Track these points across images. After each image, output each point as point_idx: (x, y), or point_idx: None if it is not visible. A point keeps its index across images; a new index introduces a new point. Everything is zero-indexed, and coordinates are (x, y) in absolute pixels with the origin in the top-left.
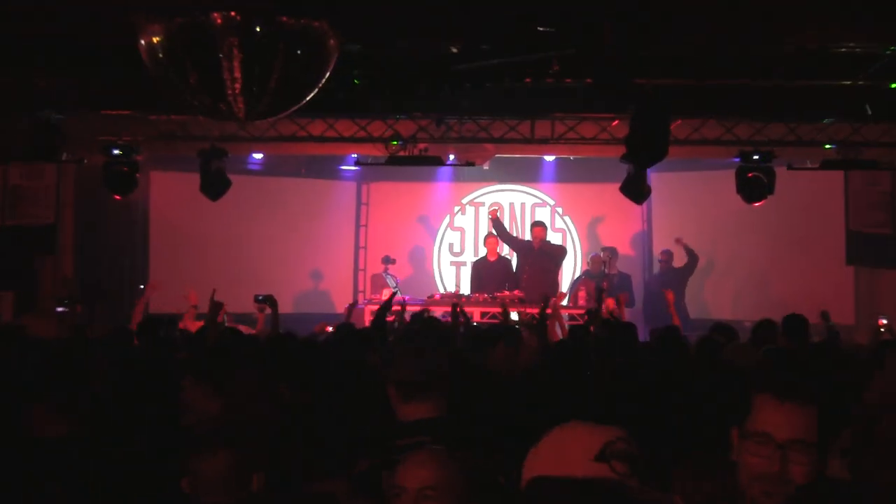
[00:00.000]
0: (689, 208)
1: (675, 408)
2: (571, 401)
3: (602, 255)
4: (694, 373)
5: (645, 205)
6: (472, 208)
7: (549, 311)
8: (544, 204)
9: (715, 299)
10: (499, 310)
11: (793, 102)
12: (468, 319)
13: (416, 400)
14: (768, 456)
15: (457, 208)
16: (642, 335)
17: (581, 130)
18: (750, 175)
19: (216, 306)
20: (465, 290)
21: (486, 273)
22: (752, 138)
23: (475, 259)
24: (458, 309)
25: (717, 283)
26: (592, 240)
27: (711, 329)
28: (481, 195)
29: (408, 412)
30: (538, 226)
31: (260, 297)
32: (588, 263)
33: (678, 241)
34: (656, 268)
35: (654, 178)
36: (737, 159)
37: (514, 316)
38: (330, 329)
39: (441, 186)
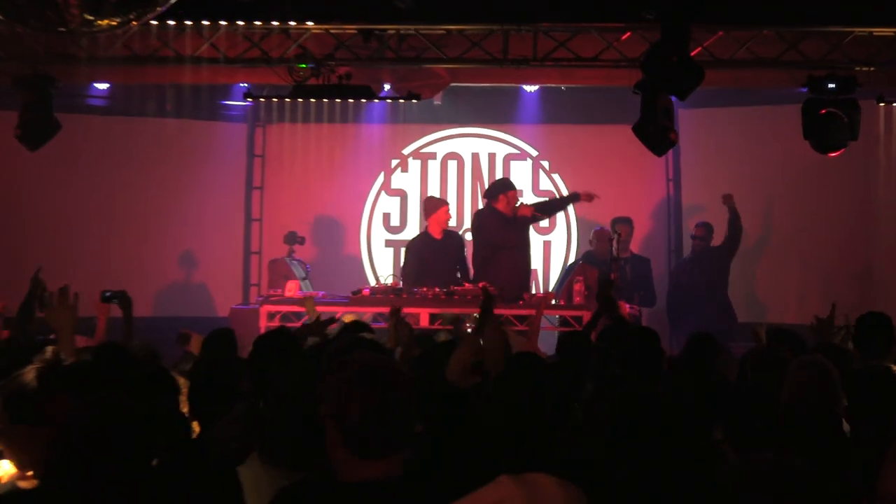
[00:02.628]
0: (734, 161)
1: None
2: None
3: (609, 230)
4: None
5: (670, 156)
6: (418, 163)
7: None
8: (523, 155)
9: (773, 294)
10: (457, 310)
11: (888, 3)
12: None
13: (372, 458)
14: None
15: (395, 163)
16: (666, 345)
17: (576, 47)
18: (823, 112)
19: (38, 285)
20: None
21: (432, 257)
22: (826, 57)
23: (413, 237)
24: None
25: (775, 271)
26: (594, 208)
27: (770, 336)
28: (431, 144)
29: (355, 471)
30: (511, 187)
31: (107, 294)
32: (589, 242)
33: (727, 199)
34: (687, 248)
35: (684, 117)
36: (804, 89)
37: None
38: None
39: (372, 131)
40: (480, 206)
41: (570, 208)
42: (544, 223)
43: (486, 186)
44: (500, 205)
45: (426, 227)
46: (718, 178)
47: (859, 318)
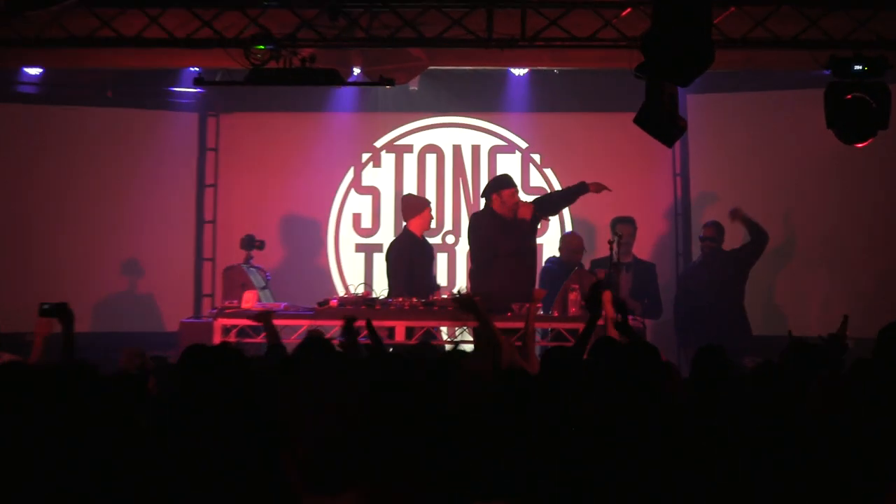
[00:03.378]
0: (749, 153)
1: None
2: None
3: (578, 235)
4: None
5: (677, 148)
6: (392, 156)
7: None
8: (511, 148)
9: (793, 303)
10: (435, 323)
11: None
12: (378, 340)
13: (330, 493)
14: None
15: (366, 157)
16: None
17: (570, 25)
18: (849, 97)
19: None
20: (383, 289)
21: (422, 260)
22: (850, 37)
23: (397, 238)
24: (351, 325)
25: (795, 278)
26: (591, 207)
27: (789, 348)
28: (407, 135)
29: None
30: (506, 185)
31: (46, 307)
32: (559, 249)
33: (735, 214)
34: (696, 252)
35: (693, 103)
36: (827, 72)
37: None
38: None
39: (339, 121)
40: (464, 205)
41: (565, 209)
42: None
43: (469, 183)
44: (496, 206)
45: (407, 228)
46: (731, 173)
47: (882, 330)
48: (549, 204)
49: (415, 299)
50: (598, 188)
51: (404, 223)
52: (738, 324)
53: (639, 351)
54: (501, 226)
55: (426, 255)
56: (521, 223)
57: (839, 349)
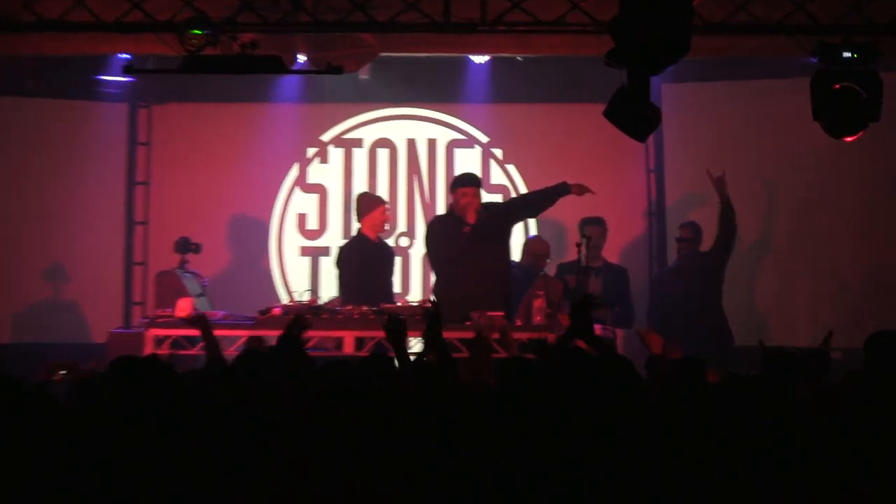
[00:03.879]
0: (729, 147)
1: None
2: None
3: (544, 241)
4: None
5: (650, 143)
6: (340, 151)
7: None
8: (470, 142)
9: (778, 309)
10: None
11: None
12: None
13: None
14: None
15: (312, 152)
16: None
17: (535, 8)
18: (837, 87)
19: None
20: (331, 296)
21: (376, 264)
22: (840, 22)
23: (345, 242)
24: (296, 332)
25: (780, 281)
26: (558, 207)
27: (769, 359)
28: (357, 128)
29: None
30: (467, 184)
31: None
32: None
33: (720, 185)
34: (672, 255)
35: (668, 93)
36: (813, 59)
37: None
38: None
39: (283, 113)
40: (419, 205)
41: None
42: None
43: (425, 180)
44: (454, 206)
45: (360, 230)
46: (708, 168)
47: (869, 337)
48: (525, 206)
49: (365, 307)
50: (581, 190)
51: (357, 225)
52: (719, 332)
53: (611, 365)
54: (453, 229)
55: (380, 260)
56: (475, 226)
57: (822, 364)
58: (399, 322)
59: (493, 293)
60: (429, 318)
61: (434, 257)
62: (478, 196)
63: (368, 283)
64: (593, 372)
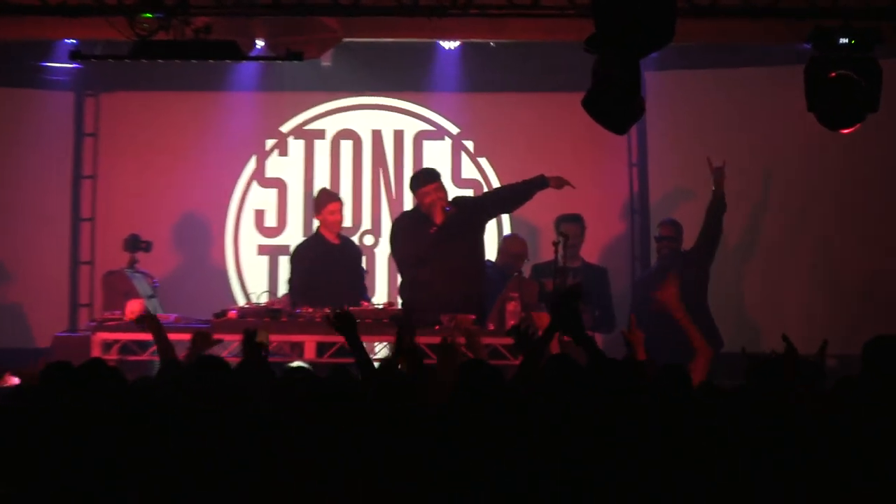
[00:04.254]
0: (718, 140)
1: None
2: None
3: (520, 240)
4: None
5: (633, 135)
6: (301, 143)
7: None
8: (440, 133)
9: (769, 313)
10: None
11: None
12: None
13: None
14: None
15: (271, 144)
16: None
17: None
18: (833, 75)
19: None
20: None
21: (327, 266)
22: (837, 4)
23: (301, 242)
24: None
25: (772, 283)
26: (533, 203)
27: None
28: (319, 118)
29: None
30: (426, 181)
31: None
32: (499, 252)
33: (718, 173)
34: (654, 254)
35: (652, 81)
36: (807, 45)
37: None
38: (16, 381)
39: (240, 102)
40: (384, 201)
41: None
42: None
43: (391, 174)
44: (419, 205)
45: (318, 229)
46: (697, 163)
47: (868, 342)
48: (498, 201)
49: (327, 310)
50: (560, 183)
51: (316, 221)
52: (707, 335)
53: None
54: (420, 227)
55: (335, 262)
56: (443, 225)
57: (817, 374)
58: (346, 316)
59: (463, 294)
60: (399, 324)
61: (399, 257)
62: (441, 190)
63: (314, 286)
64: (583, 379)
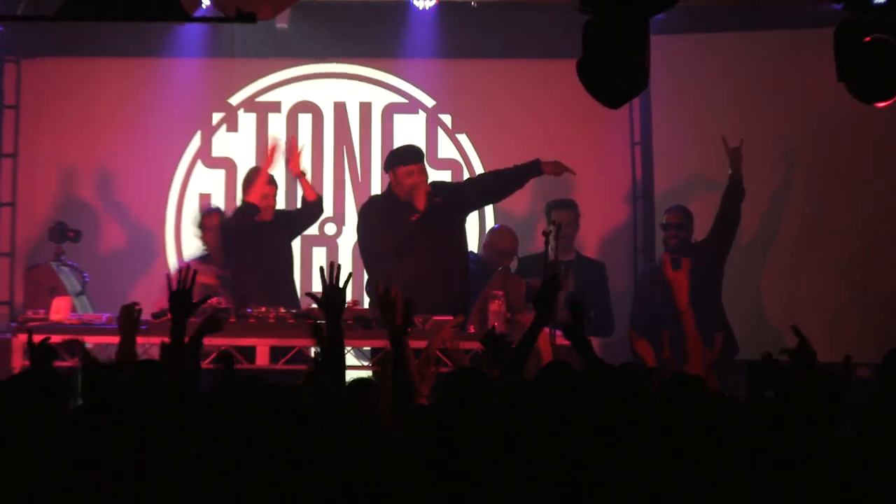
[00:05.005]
0: (733, 114)
1: None
2: None
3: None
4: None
5: (636, 109)
6: (252, 117)
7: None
8: (413, 106)
9: (794, 319)
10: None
11: None
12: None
13: None
14: None
15: (218, 118)
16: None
17: None
18: (867, 40)
19: None
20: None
21: (260, 245)
22: None
23: (233, 214)
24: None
25: (793, 281)
26: (521, 191)
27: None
28: (273, 88)
29: None
30: (411, 160)
31: None
32: (484, 247)
33: (736, 153)
34: (659, 247)
35: (657, 48)
36: (837, 5)
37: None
38: None
39: (184, 70)
40: (349, 183)
41: None
42: None
43: (357, 153)
44: (394, 188)
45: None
46: (709, 142)
47: (889, 353)
48: (485, 188)
49: (282, 310)
50: (558, 170)
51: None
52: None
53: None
54: (395, 215)
55: (272, 240)
56: (426, 213)
57: (842, 388)
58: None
59: (445, 294)
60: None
61: (369, 248)
62: (424, 173)
63: (250, 269)
64: (581, 387)
